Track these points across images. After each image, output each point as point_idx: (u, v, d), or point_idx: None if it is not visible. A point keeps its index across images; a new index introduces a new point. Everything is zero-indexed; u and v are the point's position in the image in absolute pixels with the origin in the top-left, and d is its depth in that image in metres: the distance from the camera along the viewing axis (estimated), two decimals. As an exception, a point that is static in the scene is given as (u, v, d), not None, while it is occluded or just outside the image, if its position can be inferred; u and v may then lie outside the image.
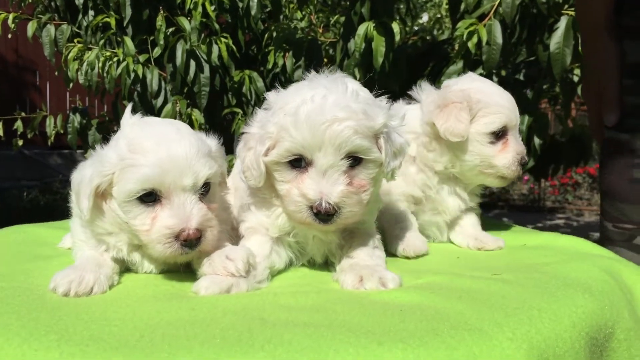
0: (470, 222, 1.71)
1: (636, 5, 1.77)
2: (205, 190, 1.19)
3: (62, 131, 4.25)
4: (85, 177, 1.18)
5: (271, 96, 1.28)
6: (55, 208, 7.28)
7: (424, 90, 1.71)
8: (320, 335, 0.88)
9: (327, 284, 1.23)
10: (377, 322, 0.94)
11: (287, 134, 1.18)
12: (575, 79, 3.32)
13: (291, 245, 1.33)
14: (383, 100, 1.30)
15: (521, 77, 3.79)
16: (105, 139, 3.79)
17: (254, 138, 1.24)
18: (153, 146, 1.13)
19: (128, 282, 1.22)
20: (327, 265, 1.36)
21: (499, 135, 1.62)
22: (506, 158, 1.62)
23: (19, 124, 4.52)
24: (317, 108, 1.16)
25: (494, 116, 1.61)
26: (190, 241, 1.14)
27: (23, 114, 4.59)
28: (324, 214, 1.17)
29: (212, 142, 1.27)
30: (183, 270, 1.27)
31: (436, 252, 1.53)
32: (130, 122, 1.22)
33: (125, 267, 1.29)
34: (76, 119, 4.11)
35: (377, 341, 0.86)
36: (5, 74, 8.93)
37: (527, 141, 3.31)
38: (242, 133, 1.29)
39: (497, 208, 8.72)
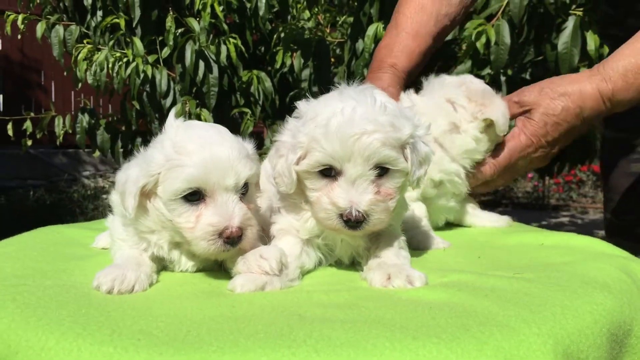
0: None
1: (623, 18, 1.94)
2: (244, 191, 1.25)
3: (70, 131, 4.28)
4: (131, 177, 1.23)
5: (302, 106, 1.33)
6: (61, 207, 7.34)
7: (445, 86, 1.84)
8: (358, 331, 0.92)
9: (355, 282, 1.28)
10: (409, 318, 0.99)
11: (318, 145, 1.23)
12: (582, 78, 3.35)
13: (320, 247, 1.38)
14: (409, 110, 1.35)
15: (527, 77, 3.83)
16: (114, 139, 3.83)
17: (285, 146, 1.30)
18: (197, 148, 1.19)
19: (166, 280, 1.27)
20: (353, 265, 1.40)
21: None
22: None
23: (28, 124, 4.55)
24: (347, 121, 1.21)
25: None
26: (233, 239, 1.19)
27: (32, 114, 4.62)
28: (353, 222, 1.23)
29: (249, 145, 1.33)
30: (217, 269, 1.32)
31: (457, 251, 1.57)
32: (175, 125, 1.27)
33: (161, 267, 1.34)
34: (84, 119, 4.15)
35: (411, 336, 0.91)
36: (10, 73, 9.00)
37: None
38: (274, 141, 1.34)
39: (500, 206, 8.75)
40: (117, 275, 1.16)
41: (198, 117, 3.52)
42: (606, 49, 2.91)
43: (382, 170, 1.25)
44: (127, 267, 1.19)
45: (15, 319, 0.97)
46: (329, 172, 1.25)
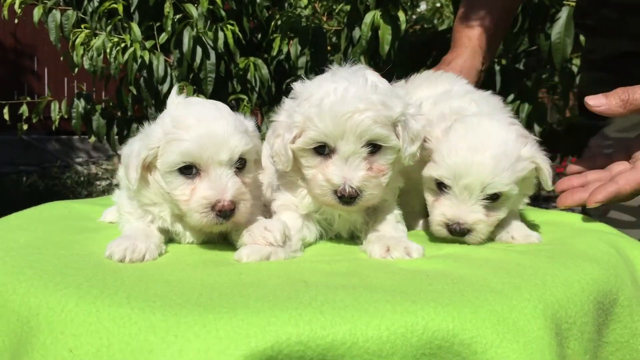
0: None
1: (597, 8, 1.98)
2: (240, 165, 1.29)
3: (66, 116, 4.31)
4: (134, 151, 1.29)
5: (297, 87, 1.39)
6: (54, 193, 7.35)
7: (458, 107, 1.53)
8: (360, 295, 0.98)
9: (355, 253, 1.34)
10: (408, 284, 1.05)
11: (312, 124, 1.29)
12: (575, 69, 3.41)
13: (319, 221, 1.44)
14: (401, 89, 1.41)
15: (521, 67, 3.89)
16: (109, 125, 3.85)
17: (281, 126, 1.35)
18: (194, 123, 1.24)
19: (175, 251, 1.32)
20: (353, 239, 1.46)
21: (439, 186, 1.43)
22: (432, 215, 1.44)
23: (24, 109, 4.57)
24: (340, 100, 1.26)
25: (431, 164, 1.42)
26: (225, 212, 1.24)
27: (29, 99, 4.65)
28: (347, 197, 1.29)
29: (249, 123, 1.38)
30: (222, 242, 1.38)
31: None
32: (176, 101, 1.33)
33: (168, 239, 1.39)
34: (80, 104, 4.17)
35: (410, 300, 0.97)
36: (3, 58, 8.97)
37: (527, 128, 3.41)
38: (271, 121, 1.40)
39: (491, 196, 8.75)
40: (129, 245, 1.21)
41: (195, 103, 3.53)
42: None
43: (374, 148, 1.31)
44: (137, 238, 1.25)
45: (34, 284, 1.02)
46: (323, 150, 1.31)
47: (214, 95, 3.70)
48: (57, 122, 4.41)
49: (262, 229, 1.27)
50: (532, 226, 1.57)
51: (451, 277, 1.09)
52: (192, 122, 1.24)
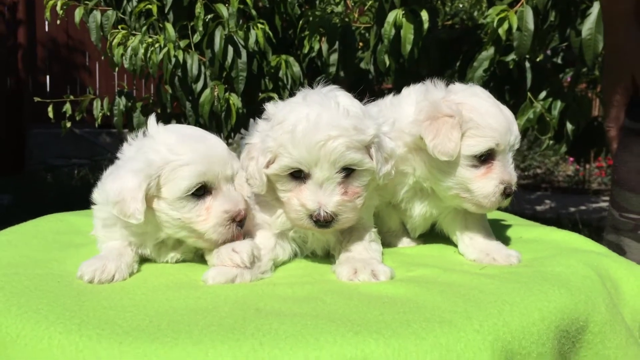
0: (482, 233, 1.52)
1: None
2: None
3: (108, 113, 4.42)
4: (128, 185, 1.26)
5: (270, 108, 1.39)
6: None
7: (427, 90, 1.50)
8: (305, 325, 1.00)
9: (325, 275, 1.35)
10: (358, 313, 1.06)
11: (285, 151, 1.30)
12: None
13: (294, 239, 1.45)
14: (374, 107, 1.41)
15: (559, 61, 3.78)
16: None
17: (255, 148, 1.37)
18: (195, 145, 1.30)
19: (146, 270, 1.36)
20: (328, 257, 1.47)
21: (483, 159, 1.43)
22: (486, 186, 1.42)
23: (67, 107, 4.71)
24: (312, 127, 1.27)
25: (480, 139, 1.41)
26: (243, 221, 1.33)
27: (72, 97, 4.79)
28: (322, 222, 1.31)
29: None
30: (198, 261, 1.42)
31: (435, 244, 1.62)
32: (160, 129, 1.35)
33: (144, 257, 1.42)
34: (121, 102, 4.28)
35: (354, 331, 0.98)
36: (56, 54, 9.23)
37: (560, 127, 3.33)
38: (246, 143, 1.40)
39: (540, 190, 8.57)
40: (99, 266, 1.25)
41: (227, 102, 3.60)
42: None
43: (349, 171, 1.31)
44: (109, 258, 1.29)
45: None
46: (298, 174, 1.32)
47: (245, 93, 3.74)
48: (99, 120, 4.53)
49: (230, 251, 1.29)
50: (519, 243, 1.55)
51: (406, 305, 1.10)
52: (191, 146, 1.29)
